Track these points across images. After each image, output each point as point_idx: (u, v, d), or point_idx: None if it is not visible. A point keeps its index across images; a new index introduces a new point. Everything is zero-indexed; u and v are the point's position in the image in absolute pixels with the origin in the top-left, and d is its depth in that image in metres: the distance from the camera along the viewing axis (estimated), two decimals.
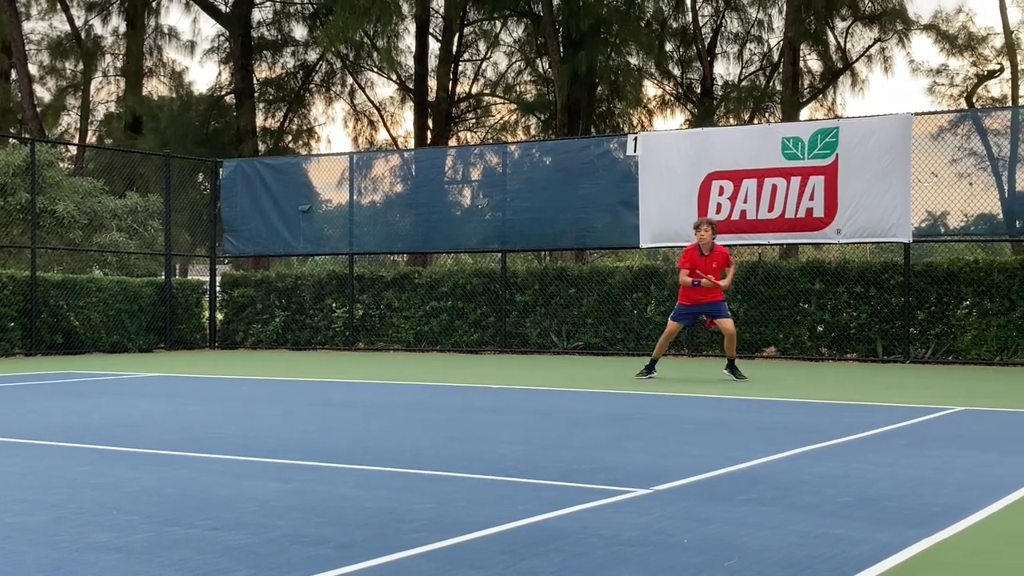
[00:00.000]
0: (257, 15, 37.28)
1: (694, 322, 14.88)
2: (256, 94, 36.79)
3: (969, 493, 5.56)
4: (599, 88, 33.92)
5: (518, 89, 37.69)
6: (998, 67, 34.89)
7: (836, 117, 30.07)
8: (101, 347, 20.15)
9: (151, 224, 25.11)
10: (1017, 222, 17.25)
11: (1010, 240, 19.38)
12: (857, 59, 34.95)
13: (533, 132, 36.83)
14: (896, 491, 5.61)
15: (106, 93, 40.37)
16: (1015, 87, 32.87)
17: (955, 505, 5.22)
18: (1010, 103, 31.93)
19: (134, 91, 36.38)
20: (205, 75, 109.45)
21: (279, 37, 37.67)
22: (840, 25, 34.59)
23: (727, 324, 13.24)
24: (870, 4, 33.99)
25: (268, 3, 37.62)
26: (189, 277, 29.42)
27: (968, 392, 11.75)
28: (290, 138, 38.66)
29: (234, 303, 22.59)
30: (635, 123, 36.52)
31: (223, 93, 37.67)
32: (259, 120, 37.20)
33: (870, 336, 17.38)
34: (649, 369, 13.44)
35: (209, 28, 57.46)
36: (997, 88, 35.68)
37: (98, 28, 38.31)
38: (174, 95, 39.05)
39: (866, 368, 16.04)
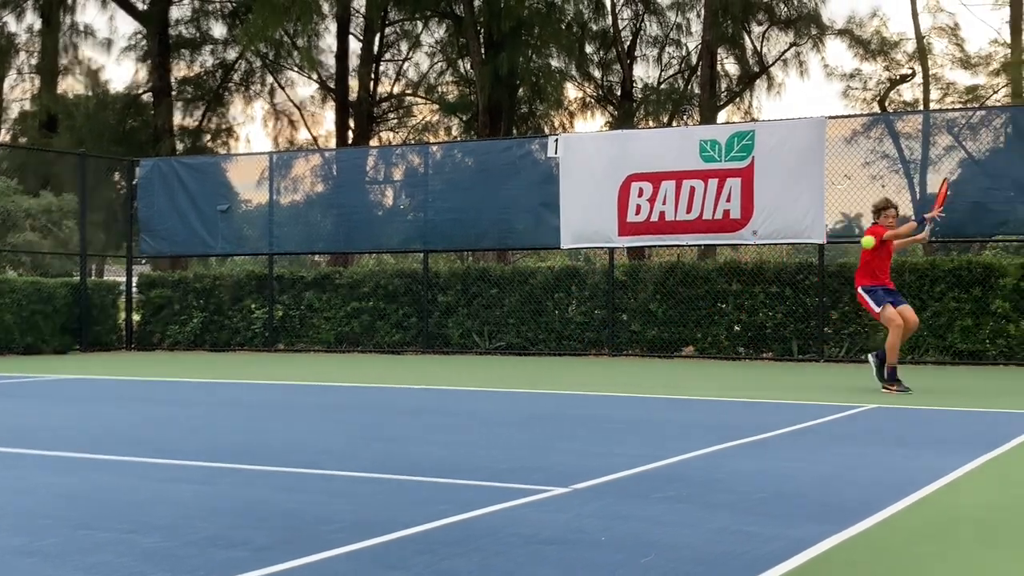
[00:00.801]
0: (175, 13, 36.87)
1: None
2: (174, 93, 36.36)
3: (879, 490, 5.69)
4: (521, 90, 34.04)
5: (440, 90, 37.67)
6: (910, 72, 35.55)
7: (752, 120, 30.52)
8: (15, 349, 19.76)
9: (66, 224, 24.73)
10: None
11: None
12: (773, 63, 35.47)
13: (455, 133, 36.85)
14: (809, 488, 5.73)
15: (20, 91, 39.61)
16: (926, 91, 33.56)
17: (865, 501, 5.34)
18: (921, 107, 32.57)
19: (49, 89, 35.76)
20: (122, 73, 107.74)
21: (198, 35, 37.25)
22: (756, 30, 35.08)
23: (912, 313, 11.74)
24: (786, 9, 34.49)
25: (186, 1, 37.20)
26: (105, 278, 28.98)
27: (880, 390, 11.98)
28: (208, 137, 38.23)
29: (151, 304, 22.28)
30: (556, 125, 36.68)
31: (140, 92, 37.17)
32: (177, 119, 36.77)
33: (786, 335, 17.65)
34: (894, 378, 11.57)
35: (126, 26, 56.56)
36: (909, 92, 36.38)
37: (12, 25, 37.55)
38: (90, 93, 38.41)
39: (782, 367, 16.28)
